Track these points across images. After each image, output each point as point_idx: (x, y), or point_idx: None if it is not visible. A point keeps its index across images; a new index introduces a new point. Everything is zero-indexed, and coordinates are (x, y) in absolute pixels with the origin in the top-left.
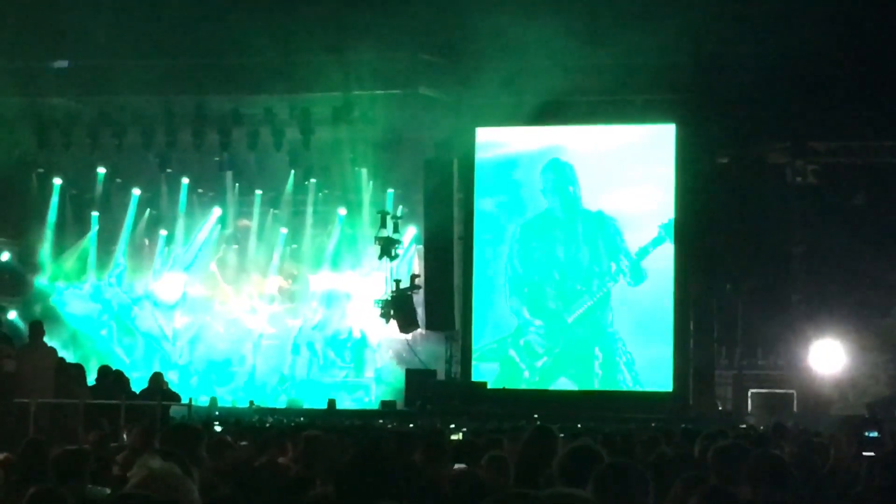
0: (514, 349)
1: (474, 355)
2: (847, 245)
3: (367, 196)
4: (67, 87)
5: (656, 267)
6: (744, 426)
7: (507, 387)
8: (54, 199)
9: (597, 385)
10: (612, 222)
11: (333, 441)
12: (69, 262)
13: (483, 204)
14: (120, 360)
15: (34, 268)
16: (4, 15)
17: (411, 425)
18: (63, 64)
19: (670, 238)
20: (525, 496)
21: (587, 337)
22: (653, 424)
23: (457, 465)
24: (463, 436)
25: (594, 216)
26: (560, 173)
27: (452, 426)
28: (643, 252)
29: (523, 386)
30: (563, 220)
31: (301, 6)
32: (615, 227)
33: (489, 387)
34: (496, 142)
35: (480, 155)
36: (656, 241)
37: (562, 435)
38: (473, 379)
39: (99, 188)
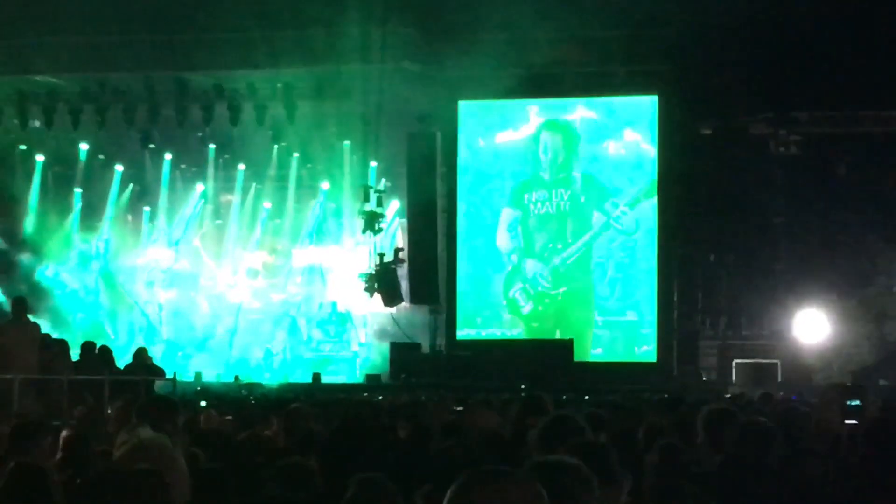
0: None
1: (458, 328)
2: (830, 215)
3: (349, 170)
4: (49, 64)
5: (642, 234)
6: (728, 395)
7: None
8: (37, 177)
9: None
10: (600, 183)
11: (316, 414)
12: (54, 239)
13: (467, 175)
14: (105, 336)
15: (18, 245)
16: None
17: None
18: None
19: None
20: (505, 471)
21: (575, 299)
22: (644, 395)
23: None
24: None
25: (584, 178)
26: (553, 139)
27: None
28: (635, 201)
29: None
30: (552, 183)
31: None
32: (603, 187)
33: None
34: (479, 113)
35: (464, 126)
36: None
37: None
38: (459, 351)
39: (81, 165)
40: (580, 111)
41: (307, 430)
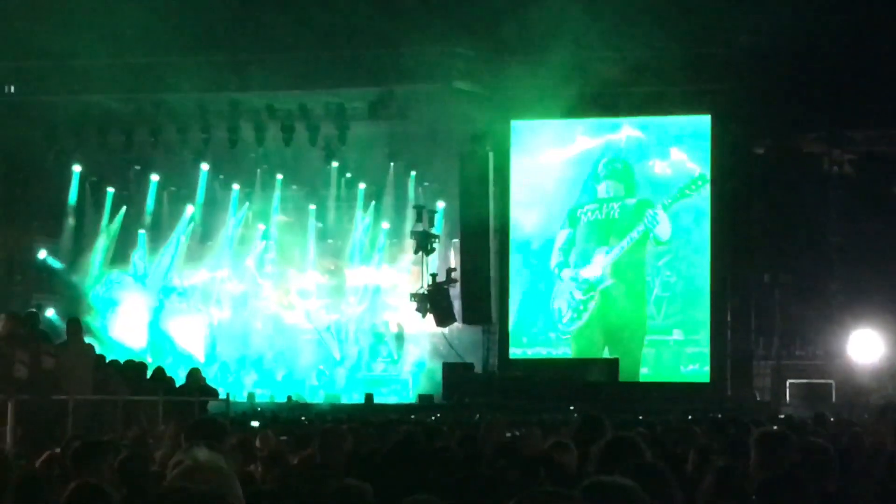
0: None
1: (512, 347)
2: (884, 234)
3: (402, 190)
4: (103, 85)
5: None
6: (782, 416)
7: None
8: (90, 198)
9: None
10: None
11: (369, 434)
12: (105, 259)
13: (520, 195)
14: (157, 356)
15: (71, 266)
16: (44, 15)
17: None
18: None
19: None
20: (558, 493)
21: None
22: (689, 417)
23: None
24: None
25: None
26: (612, 164)
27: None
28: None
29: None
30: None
31: (335, 2)
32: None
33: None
34: (532, 133)
35: (516, 146)
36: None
37: None
38: (512, 371)
39: (133, 185)
40: (626, 130)
41: (352, 452)
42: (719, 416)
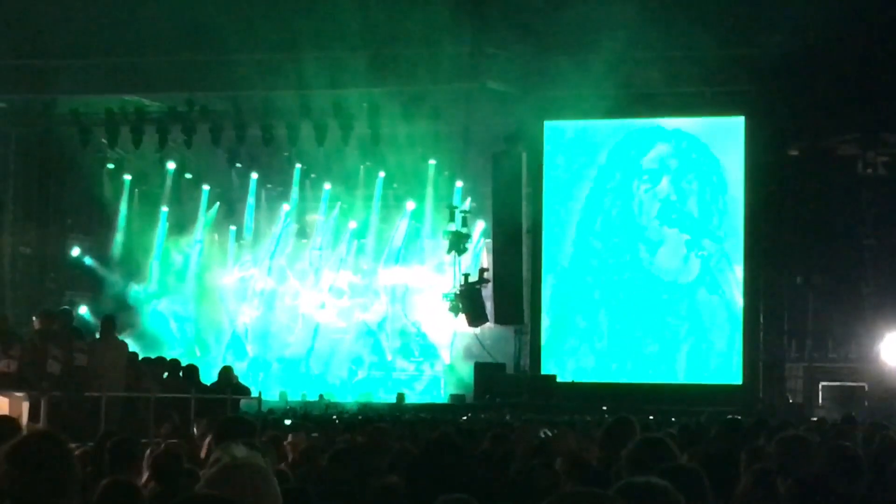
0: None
1: (544, 348)
2: None
3: (435, 190)
4: (137, 83)
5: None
6: (814, 419)
7: (574, 380)
8: (125, 196)
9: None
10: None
11: (401, 433)
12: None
13: (552, 196)
14: (191, 353)
15: (107, 264)
16: (77, 14)
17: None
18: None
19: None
20: (592, 493)
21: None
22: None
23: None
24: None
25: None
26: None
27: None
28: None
29: (592, 378)
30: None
31: (369, 1)
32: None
33: (558, 380)
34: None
35: (549, 146)
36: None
37: None
38: (544, 372)
39: (169, 183)
40: (659, 147)
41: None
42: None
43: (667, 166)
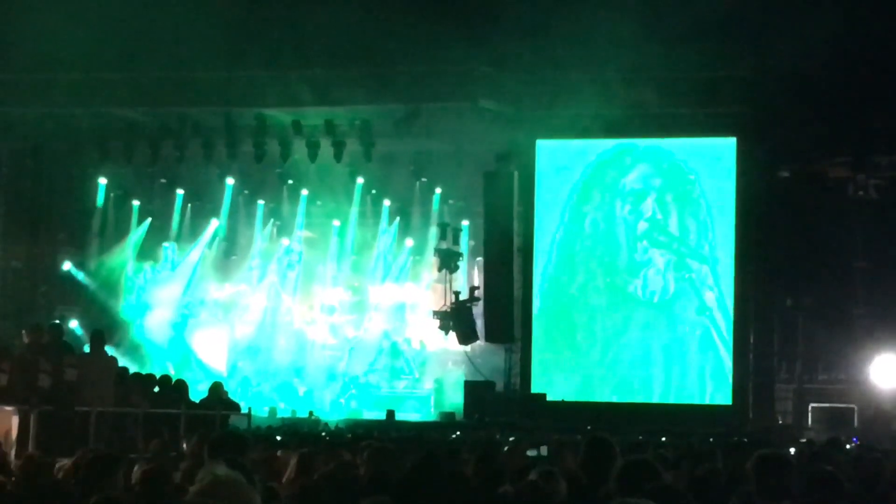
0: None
1: (535, 366)
2: None
3: (426, 208)
4: (129, 98)
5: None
6: (803, 440)
7: (564, 398)
8: (114, 210)
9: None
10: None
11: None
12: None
13: (543, 214)
14: (180, 369)
15: (95, 278)
16: (71, 28)
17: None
18: None
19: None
20: None
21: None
22: (710, 439)
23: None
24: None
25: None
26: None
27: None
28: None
29: (581, 397)
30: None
31: (361, 19)
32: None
33: (548, 399)
34: (557, 153)
35: (541, 165)
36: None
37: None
38: (534, 391)
39: (158, 198)
40: (641, 167)
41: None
42: (737, 439)
43: (651, 186)
